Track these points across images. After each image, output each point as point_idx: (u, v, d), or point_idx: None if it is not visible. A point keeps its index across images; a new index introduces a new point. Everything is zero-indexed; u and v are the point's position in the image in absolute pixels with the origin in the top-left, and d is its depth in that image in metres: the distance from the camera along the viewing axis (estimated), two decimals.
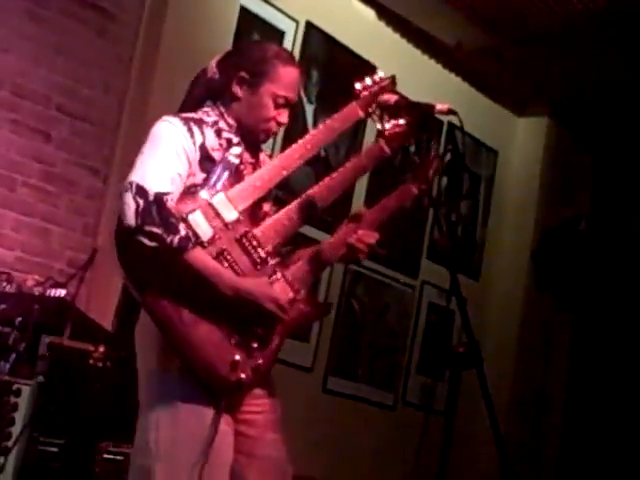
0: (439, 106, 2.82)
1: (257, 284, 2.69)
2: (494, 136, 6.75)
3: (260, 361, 2.68)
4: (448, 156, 6.13)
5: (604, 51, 5.91)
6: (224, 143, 2.80)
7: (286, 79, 2.83)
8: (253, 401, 2.83)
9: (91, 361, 3.72)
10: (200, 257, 2.62)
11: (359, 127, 5.87)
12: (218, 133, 2.82)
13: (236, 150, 2.80)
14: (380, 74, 2.99)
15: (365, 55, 6.01)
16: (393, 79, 2.99)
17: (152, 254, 2.55)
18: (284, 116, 2.85)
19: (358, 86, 2.93)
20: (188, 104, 2.93)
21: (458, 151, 3.01)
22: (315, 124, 5.47)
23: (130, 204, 2.56)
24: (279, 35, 5.53)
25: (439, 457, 2.68)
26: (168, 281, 2.62)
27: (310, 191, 2.91)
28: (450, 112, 2.83)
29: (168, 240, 2.54)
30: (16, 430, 3.51)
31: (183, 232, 2.58)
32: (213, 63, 2.94)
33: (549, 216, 7.02)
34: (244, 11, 5.21)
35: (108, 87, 4.69)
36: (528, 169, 7.02)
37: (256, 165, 2.88)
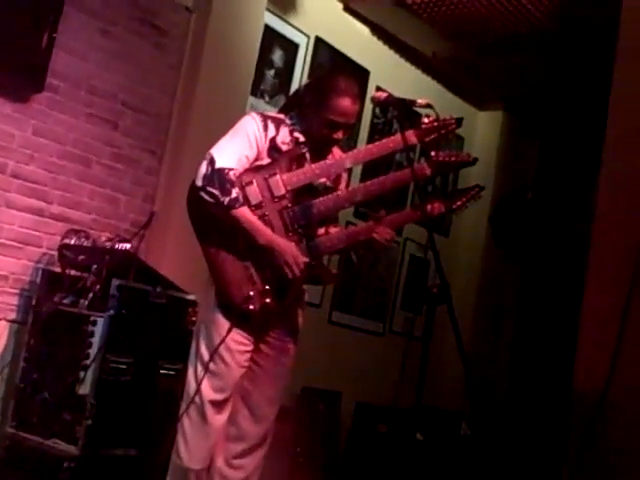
0: (419, 101, 2.77)
1: (286, 243, 2.74)
2: None
3: (268, 300, 2.73)
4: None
5: (548, 58, 5.81)
6: (293, 140, 2.84)
7: (337, 108, 2.78)
8: (275, 335, 2.91)
9: (150, 298, 3.73)
10: (245, 214, 2.70)
11: None
12: (291, 132, 2.85)
13: (301, 146, 2.85)
14: (447, 116, 2.87)
15: (361, 62, 5.91)
16: (459, 122, 2.90)
17: (210, 207, 2.68)
18: (337, 134, 2.82)
19: (426, 120, 2.83)
20: (286, 106, 3.00)
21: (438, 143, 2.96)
22: None
23: (202, 169, 2.69)
24: (295, 47, 5.45)
25: (418, 371, 2.70)
26: (217, 229, 2.73)
27: (357, 186, 2.92)
28: (428, 106, 2.79)
29: (221, 199, 2.66)
30: (93, 351, 3.52)
31: (234, 195, 2.67)
32: (305, 83, 3.06)
33: (503, 187, 6.95)
34: (267, 28, 5.13)
35: (162, 87, 4.63)
36: (487, 151, 6.93)
37: (319, 161, 2.86)
